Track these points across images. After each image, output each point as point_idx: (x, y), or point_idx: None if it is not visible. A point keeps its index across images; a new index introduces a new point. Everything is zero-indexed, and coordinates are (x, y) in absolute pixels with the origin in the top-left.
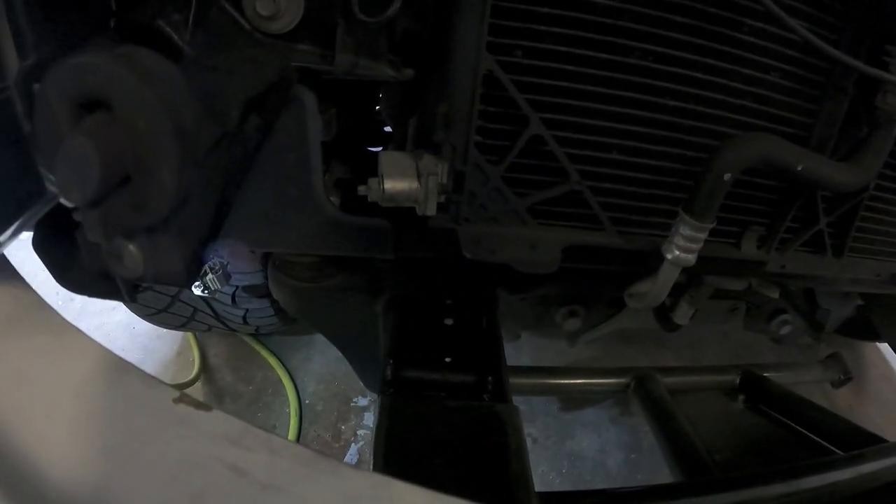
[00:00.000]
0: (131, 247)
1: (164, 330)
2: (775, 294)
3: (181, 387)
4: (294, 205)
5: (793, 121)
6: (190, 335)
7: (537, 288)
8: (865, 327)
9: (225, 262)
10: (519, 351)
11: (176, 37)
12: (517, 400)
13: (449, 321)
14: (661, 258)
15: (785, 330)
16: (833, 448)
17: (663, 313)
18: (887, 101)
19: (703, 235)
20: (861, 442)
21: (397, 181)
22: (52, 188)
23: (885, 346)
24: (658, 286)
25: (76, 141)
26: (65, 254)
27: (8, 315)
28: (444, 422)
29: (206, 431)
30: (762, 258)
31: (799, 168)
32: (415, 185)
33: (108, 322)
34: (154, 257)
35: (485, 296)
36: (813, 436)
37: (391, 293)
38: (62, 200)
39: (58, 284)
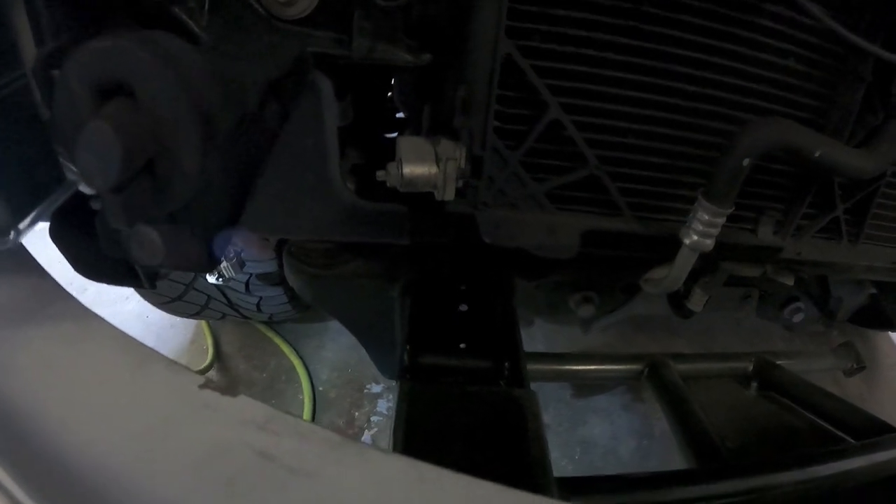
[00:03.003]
0: (153, 233)
1: (178, 319)
2: (790, 281)
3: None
4: (311, 191)
5: (809, 106)
6: (203, 323)
7: (552, 274)
8: (878, 316)
9: (239, 250)
10: (532, 337)
11: (191, 23)
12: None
13: (465, 307)
14: (679, 244)
15: (797, 318)
16: (846, 437)
17: (677, 300)
18: None
19: (722, 221)
20: (874, 431)
21: (416, 166)
22: (70, 176)
23: None
24: (675, 271)
25: (98, 126)
26: (81, 242)
27: (30, 304)
28: (463, 407)
29: (233, 417)
30: (778, 244)
31: (817, 154)
32: (434, 169)
33: (122, 311)
34: (175, 243)
35: (501, 281)
36: (825, 424)
37: (407, 279)
38: (82, 187)
39: (69, 275)
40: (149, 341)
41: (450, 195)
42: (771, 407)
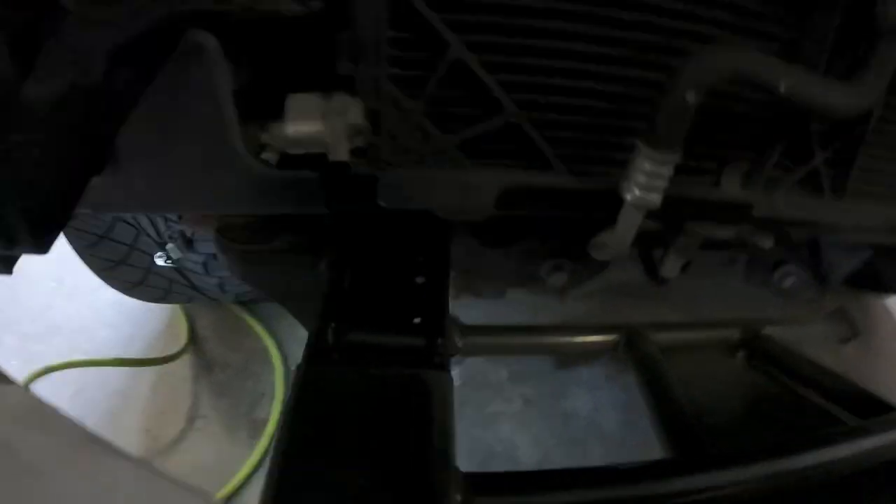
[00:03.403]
0: None
1: (154, 304)
2: (769, 243)
3: (169, 359)
4: (213, 161)
5: (776, 36)
6: (178, 307)
7: (515, 240)
8: (875, 279)
9: (184, 230)
10: (511, 308)
11: None
12: (507, 361)
13: (422, 279)
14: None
15: (787, 283)
16: (838, 412)
17: (651, 266)
18: (889, 11)
19: (668, 170)
20: (869, 406)
21: (301, 124)
22: None
23: (894, 301)
24: (619, 233)
25: None
26: None
27: None
28: (362, 392)
29: None
30: (747, 199)
31: (782, 87)
32: (319, 126)
33: (98, 299)
34: None
35: (435, 251)
36: (816, 396)
37: (334, 252)
38: None
39: (48, 266)
40: (126, 327)
41: (343, 155)
42: (758, 378)
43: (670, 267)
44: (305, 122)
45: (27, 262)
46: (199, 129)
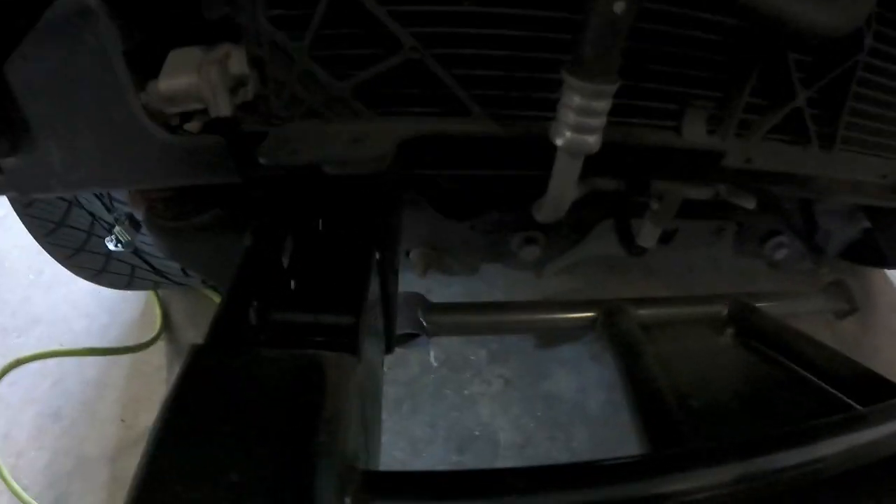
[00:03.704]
0: None
1: (130, 293)
2: (751, 204)
3: (140, 347)
4: (121, 132)
5: None
6: (152, 294)
7: (480, 211)
8: (873, 252)
9: (132, 212)
10: (491, 286)
11: None
12: (485, 341)
13: (319, 253)
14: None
15: (780, 254)
16: (835, 391)
17: (627, 236)
18: None
19: (603, 105)
20: (871, 389)
21: (174, 78)
22: None
23: (894, 274)
24: (554, 186)
25: None
26: None
27: None
28: (253, 377)
29: None
30: (717, 147)
31: None
32: (193, 79)
33: (76, 290)
34: None
35: (366, 221)
36: (810, 376)
37: (253, 225)
38: None
39: (27, 260)
40: (102, 316)
41: (224, 110)
42: (748, 356)
43: (647, 235)
44: (179, 76)
45: (6, 255)
46: (97, 97)
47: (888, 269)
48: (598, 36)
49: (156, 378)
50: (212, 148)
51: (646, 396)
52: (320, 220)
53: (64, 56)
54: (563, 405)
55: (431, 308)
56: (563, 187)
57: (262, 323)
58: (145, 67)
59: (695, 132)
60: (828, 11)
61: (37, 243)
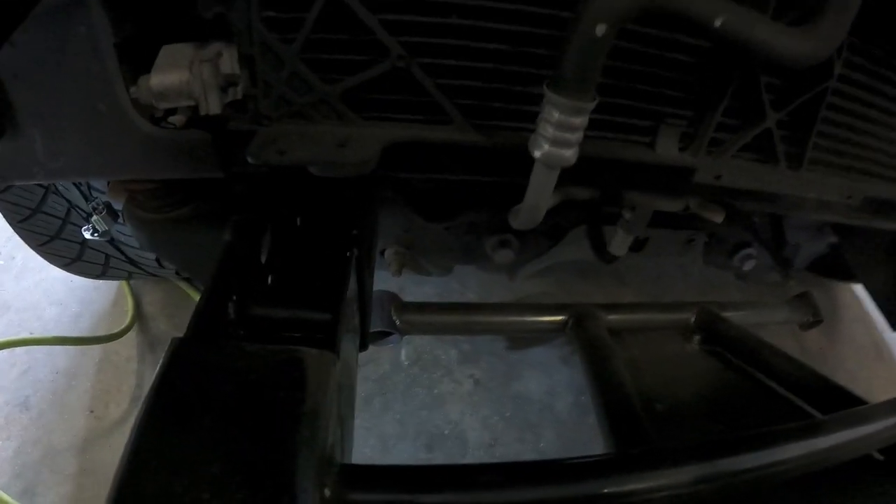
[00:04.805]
0: None
1: (102, 282)
2: (719, 218)
3: (111, 338)
4: (107, 123)
5: None
6: (124, 284)
7: (456, 213)
8: (839, 266)
9: (109, 202)
10: (464, 286)
11: None
12: (456, 341)
13: (299, 250)
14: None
15: (748, 265)
16: (796, 399)
17: (599, 243)
18: None
19: (581, 121)
20: (827, 394)
21: (165, 74)
22: None
23: (859, 287)
24: (531, 195)
25: None
26: None
27: None
28: (235, 371)
29: None
30: (687, 163)
31: (717, 23)
32: (185, 76)
33: (47, 278)
34: None
35: (344, 219)
36: (773, 383)
37: (233, 220)
38: None
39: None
40: (73, 305)
41: (213, 108)
42: (714, 364)
43: (618, 244)
44: (170, 72)
45: None
46: (87, 88)
47: (853, 283)
48: (579, 55)
49: (126, 369)
50: (196, 143)
51: (613, 399)
52: (299, 217)
53: (53, 44)
54: (532, 406)
55: (404, 307)
56: (539, 197)
57: (241, 317)
58: (134, 60)
59: (667, 148)
60: (800, 43)
61: (8, 228)
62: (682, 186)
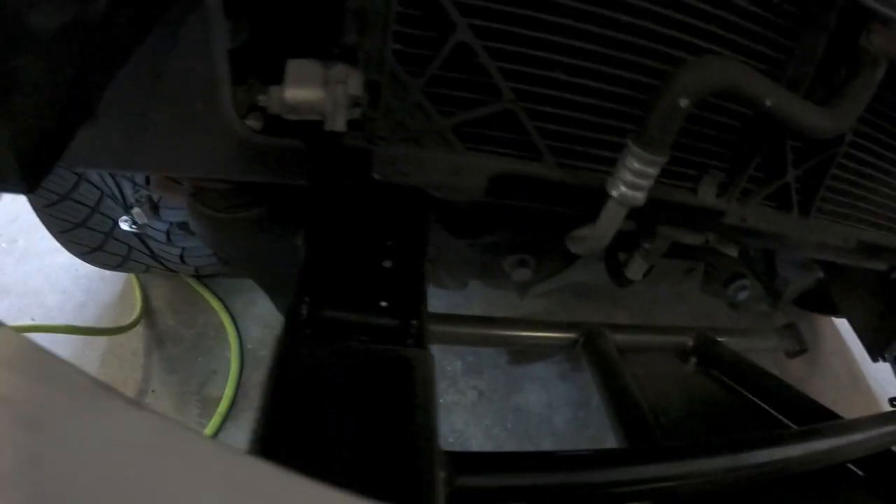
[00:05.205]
0: None
1: (108, 272)
2: (734, 252)
3: (120, 330)
4: (201, 122)
5: (764, 55)
6: (133, 277)
7: (485, 233)
8: (823, 300)
9: (151, 195)
10: (469, 300)
11: None
12: (461, 353)
13: (389, 263)
14: (607, 196)
15: (742, 295)
16: (784, 419)
17: (616, 268)
18: (872, 41)
19: (654, 171)
20: (813, 415)
21: (300, 89)
22: None
23: (839, 322)
24: (600, 227)
25: None
26: None
27: None
28: (346, 367)
29: None
30: (721, 207)
31: (768, 103)
32: (320, 94)
33: (51, 264)
34: None
35: (414, 233)
36: (764, 405)
37: (311, 225)
38: None
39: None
40: (78, 294)
41: (340, 125)
42: (709, 384)
43: (635, 270)
44: (306, 88)
45: None
46: (188, 87)
47: (835, 317)
48: (662, 120)
49: (132, 363)
50: (287, 151)
51: (623, 402)
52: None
53: (162, 40)
54: (533, 418)
55: (428, 317)
56: (608, 229)
57: (326, 320)
58: (242, 67)
59: (707, 194)
60: (826, 120)
61: (11, 211)
62: (712, 225)
